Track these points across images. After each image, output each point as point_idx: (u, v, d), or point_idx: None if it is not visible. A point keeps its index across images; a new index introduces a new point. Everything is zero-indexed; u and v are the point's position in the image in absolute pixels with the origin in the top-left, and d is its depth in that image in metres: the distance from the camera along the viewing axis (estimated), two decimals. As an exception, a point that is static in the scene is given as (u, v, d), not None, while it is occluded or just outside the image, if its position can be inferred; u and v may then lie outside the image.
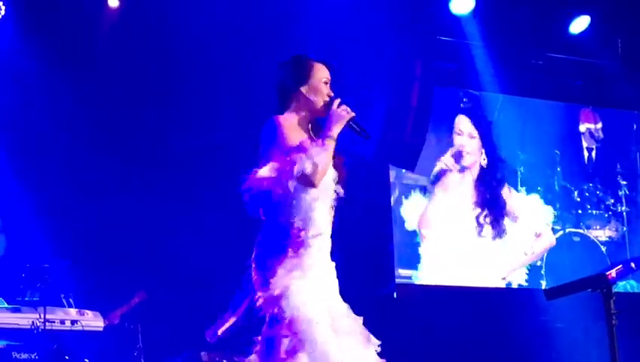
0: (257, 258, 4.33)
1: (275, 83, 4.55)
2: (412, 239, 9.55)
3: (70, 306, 7.27)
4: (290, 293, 4.17)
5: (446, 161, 9.78)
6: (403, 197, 9.53)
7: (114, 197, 8.51)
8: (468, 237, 9.77)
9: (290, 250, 4.25)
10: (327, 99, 4.46)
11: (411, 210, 9.57)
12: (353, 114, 4.39)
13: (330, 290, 4.33)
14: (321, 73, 4.50)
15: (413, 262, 9.49)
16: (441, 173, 9.77)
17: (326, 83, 4.50)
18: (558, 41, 10.17)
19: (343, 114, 4.35)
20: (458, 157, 9.86)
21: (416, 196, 9.60)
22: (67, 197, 8.42)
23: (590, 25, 10.00)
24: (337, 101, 4.40)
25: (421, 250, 9.53)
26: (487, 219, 9.85)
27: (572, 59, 10.35)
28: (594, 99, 10.72)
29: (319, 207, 4.32)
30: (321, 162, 4.22)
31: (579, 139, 10.64)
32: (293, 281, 4.19)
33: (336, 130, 4.33)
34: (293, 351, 4.11)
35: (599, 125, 10.72)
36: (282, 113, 4.44)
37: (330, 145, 4.29)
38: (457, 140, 9.94)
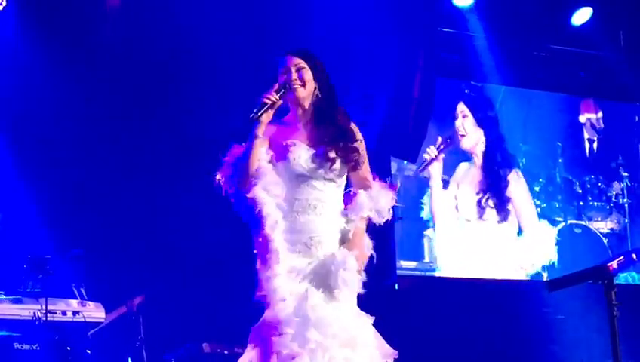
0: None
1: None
2: (415, 230, 9.56)
3: (82, 297, 7.28)
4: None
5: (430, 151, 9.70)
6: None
7: (119, 189, 8.51)
8: (472, 227, 9.76)
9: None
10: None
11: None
12: (272, 98, 4.36)
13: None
14: (280, 69, 4.52)
15: (415, 253, 9.49)
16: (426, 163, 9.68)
17: (283, 73, 4.48)
18: (560, 32, 10.16)
19: (264, 105, 4.37)
20: (452, 140, 9.81)
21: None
22: (72, 189, 8.43)
23: (592, 16, 9.99)
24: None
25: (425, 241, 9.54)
26: (490, 203, 9.82)
27: (574, 50, 10.34)
28: (596, 91, 10.71)
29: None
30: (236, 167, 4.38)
31: (580, 131, 10.63)
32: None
33: (260, 130, 4.38)
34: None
35: (599, 115, 10.70)
36: None
37: (251, 144, 4.37)
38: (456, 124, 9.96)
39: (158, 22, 8.61)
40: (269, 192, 4.33)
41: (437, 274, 9.52)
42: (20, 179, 8.16)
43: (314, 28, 8.57)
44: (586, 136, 10.65)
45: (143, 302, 7.80)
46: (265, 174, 4.35)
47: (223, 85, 8.75)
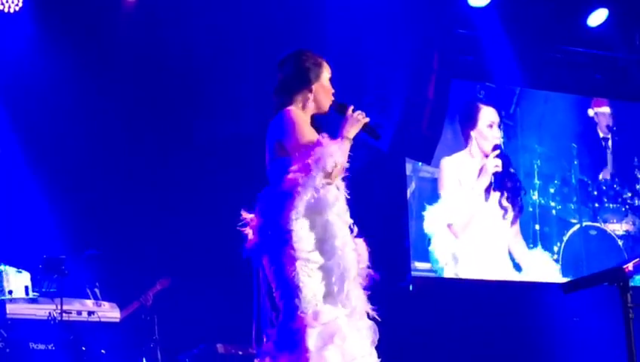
0: (270, 252, 4.33)
1: (280, 76, 4.52)
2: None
3: (96, 297, 7.31)
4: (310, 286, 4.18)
5: (496, 163, 9.74)
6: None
7: (133, 189, 8.54)
8: (490, 229, 9.75)
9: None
10: (332, 97, 4.48)
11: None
12: (368, 119, 4.40)
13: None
14: (327, 71, 4.53)
15: (429, 255, 9.47)
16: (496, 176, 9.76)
17: (330, 81, 4.53)
18: (576, 34, 10.13)
19: (360, 118, 4.37)
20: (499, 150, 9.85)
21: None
22: (87, 190, 8.46)
23: (608, 18, 9.95)
24: (352, 107, 4.40)
25: (440, 244, 9.51)
26: (508, 201, 9.83)
27: (590, 52, 10.31)
28: (612, 93, 10.67)
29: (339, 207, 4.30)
30: (340, 161, 4.22)
31: (595, 131, 10.59)
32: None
33: (352, 132, 4.34)
34: (322, 344, 4.11)
35: (609, 110, 10.65)
36: (287, 106, 4.42)
37: (347, 145, 4.29)
38: (490, 133, 9.89)
39: (178, 18, 8.63)
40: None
41: (446, 275, 9.50)
42: (35, 180, 8.19)
43: (329, 30, 8.57)
44: (601, 135, 10.61)
45: (168, 285, 7.84)
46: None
47: (237, 88, 8.77)
